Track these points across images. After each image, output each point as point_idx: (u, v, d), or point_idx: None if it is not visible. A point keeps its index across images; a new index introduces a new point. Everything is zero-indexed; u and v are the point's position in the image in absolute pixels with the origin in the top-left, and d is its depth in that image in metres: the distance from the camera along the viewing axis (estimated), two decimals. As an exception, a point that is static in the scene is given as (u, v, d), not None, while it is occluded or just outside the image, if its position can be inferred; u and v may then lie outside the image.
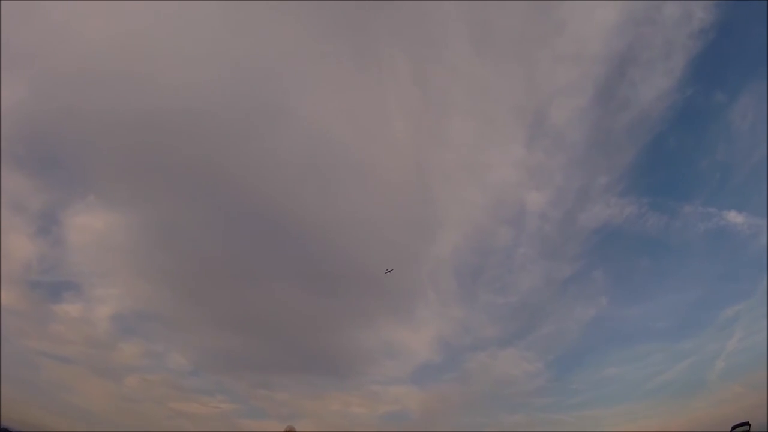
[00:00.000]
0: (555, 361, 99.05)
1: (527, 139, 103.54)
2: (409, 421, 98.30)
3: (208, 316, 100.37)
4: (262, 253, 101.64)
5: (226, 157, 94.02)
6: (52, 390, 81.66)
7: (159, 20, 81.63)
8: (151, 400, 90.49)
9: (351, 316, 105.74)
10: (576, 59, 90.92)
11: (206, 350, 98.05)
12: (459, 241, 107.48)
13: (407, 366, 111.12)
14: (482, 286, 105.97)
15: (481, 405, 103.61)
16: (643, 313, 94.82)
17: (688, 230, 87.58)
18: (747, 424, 27.30)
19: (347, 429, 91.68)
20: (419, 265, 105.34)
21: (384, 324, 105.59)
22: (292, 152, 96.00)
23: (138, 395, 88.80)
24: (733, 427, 27.70)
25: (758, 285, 75.68)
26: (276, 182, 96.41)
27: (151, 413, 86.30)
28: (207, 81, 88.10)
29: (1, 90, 65.31)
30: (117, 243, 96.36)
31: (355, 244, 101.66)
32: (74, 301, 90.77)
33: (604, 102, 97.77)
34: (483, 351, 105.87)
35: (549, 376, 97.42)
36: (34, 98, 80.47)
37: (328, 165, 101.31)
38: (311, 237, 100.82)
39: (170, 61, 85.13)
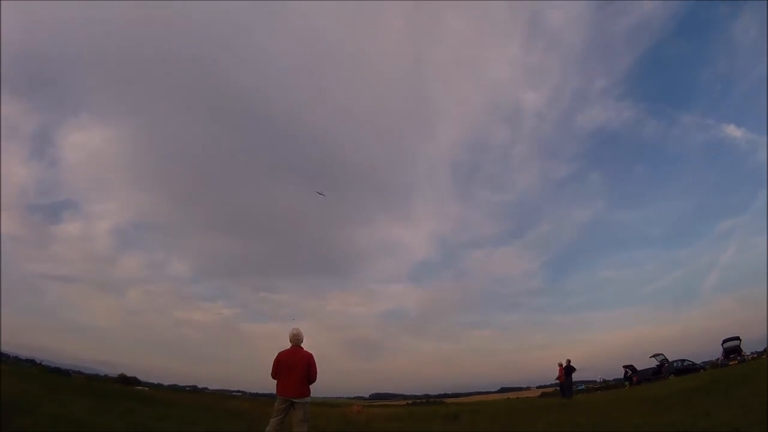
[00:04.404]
0: (551, 262, 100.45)
1: (524, 38, 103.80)
2: (407, 318, 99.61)
3: (207, 221, 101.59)
4: (257, 154, 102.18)
5: (218, 58, 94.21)
6: (56, 311, 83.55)
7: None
8: (154, 311, 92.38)
9: (348, 214, 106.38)
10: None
11: (206, 256, 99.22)
12: (455, 137, 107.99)
13: (405, 264, 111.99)
14: (479, 183, 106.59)
15: (478, 304, 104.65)
16: (639, 218, 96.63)
17: (686, 140, 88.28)
18: (737, 339, 27.74)
19: (347, 328, 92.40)
20: (415, 161, 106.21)
21: (381, 221, 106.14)
22: (284, 48, 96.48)
23: (141, 307, 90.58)
24: (724, 341, 28.12)
25: (754, 201, 76.13)
26: (269, 80, 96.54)
27: (155, 324, 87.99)
28: None
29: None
30: (112, 157, 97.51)
31: (350, 141, 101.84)
32: (73, 220, 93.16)
33: (603, 5, 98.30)
34: (479, 249, 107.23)
35: (545, 276, 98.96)
36: (20, 20, 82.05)
37: (322, 60, 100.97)
38: (306, 134, 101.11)
39: None
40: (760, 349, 29.19)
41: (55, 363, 46.09)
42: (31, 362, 43.43)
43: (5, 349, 43.30)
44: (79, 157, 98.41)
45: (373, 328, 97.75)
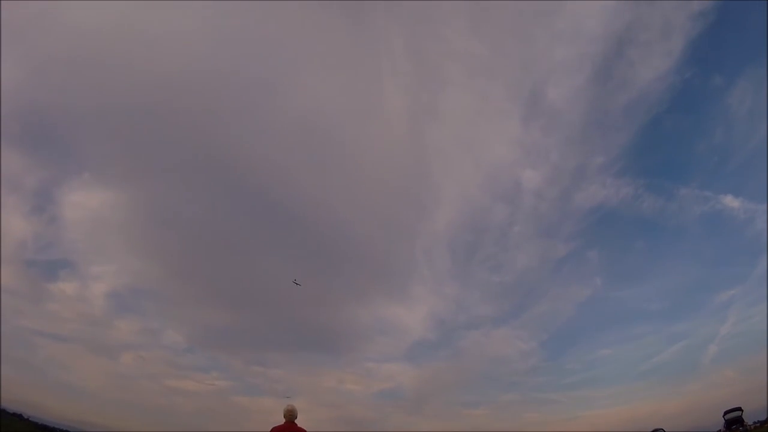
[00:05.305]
0: (549, 341, 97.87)
1: (523, 117, 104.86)
2: (403, 398, 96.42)
3: (203, 292, 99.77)
4: (256, 229, 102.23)
5: (220, 133, 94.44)
6: (48, 369, 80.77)
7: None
8: (146, 378, 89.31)
9: (345, 292, 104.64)
10: (574, 37, 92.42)
11: (201, 326, 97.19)
12: (453, 217, 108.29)
13: (401, 343, 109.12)
14: (477, 263, 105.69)
15: (475, 383, 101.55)
16: (637, 294, 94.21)
17: (683, 213, 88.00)
18: (739, 409, 27.20)
19: (341, 406, 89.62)
20: (413, 241, 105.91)
21: (378, 300, 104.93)
22: (285, 127, 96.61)
23: (133, 373, 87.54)
24: (726, 413, 27.57)
25: (753, 270, 75.73)
26: (269, 157, 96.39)
27: (147, 390, 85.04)
28: (200, 56, 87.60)
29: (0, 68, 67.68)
30: (112, 220, 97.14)
31: (349, 220, 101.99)
32: (70, 279, 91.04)
33: (601, 81, 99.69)
34: (477, 329, 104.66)
35: (543, 355, 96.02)
36: (28, 76, 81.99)
37: (323, 139, 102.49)
38: (305, 212, 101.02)
39: (163, 37, 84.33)
40: (763, 418, 28.80)
41: (42, 420, 44.91)
42: (18, 416, 42.45)
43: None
44: (79, 216, 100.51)
45: (368, 407, 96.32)
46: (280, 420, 7.61)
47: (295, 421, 7.65)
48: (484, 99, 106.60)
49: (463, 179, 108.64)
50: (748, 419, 28.14)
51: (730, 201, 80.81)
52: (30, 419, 41.41)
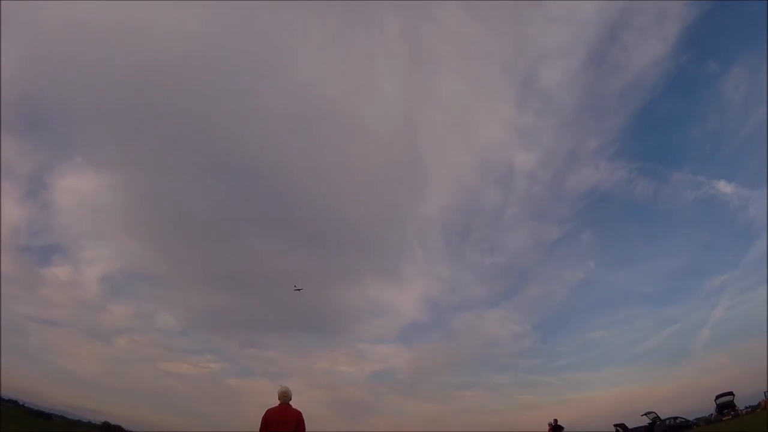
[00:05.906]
0: (541, 323, 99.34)
1: (517, 100, 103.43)
2: (396, 380, 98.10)
3: (197, 275, 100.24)
4: (250, 211, 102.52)
5: (213, 115, 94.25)
6: (42, 355, 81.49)
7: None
8: (140, 361, 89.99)
9: (338, 273, 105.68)
10: (568, 21, 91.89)
11: (195, 309, 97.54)
12: (447, 200, 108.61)
13: (394, 325, 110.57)
14: (470, 246, 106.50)
15: (468, 365, 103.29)
16: (630, 278, 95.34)
17: (676, 198, 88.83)
18: (731, 394, 27.87)
19: (335, 387, 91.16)
20: (407, 223, 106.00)
21: (371, 282, 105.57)
22: (279, 108, 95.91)
23: (128, 356, 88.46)
24: (717, 397, 28.25)
25: (745, 255, 76.81)
26: (263, 139, 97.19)
27: (141, 374, 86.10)
28: (192, 36, 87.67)
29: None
30: (104, 204, 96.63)
31: (343, 201, 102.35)
32: (63, 264, 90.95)
33: (595, 65, 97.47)
34: (470, 311, 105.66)
35: (535, 337, 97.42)
36: (20, 61, 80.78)
37: (315, 121, 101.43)
38: (299, 194, 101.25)
39: (155, 17, 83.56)
40: (754, 403, 29.17)
41: (37, 406, 44.86)
42: (14, 403, 42.39)
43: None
44: (72, 201, 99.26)
45: (361, 388, 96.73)
46: (275, 402, 7.47)
47: (290, 403, 7.51)
48: (478, 81, 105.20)
49: (457, 161, 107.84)
50: (740, 404, 28.57)
51: (723, 186, 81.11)
52: (25, 405, 41.41)
